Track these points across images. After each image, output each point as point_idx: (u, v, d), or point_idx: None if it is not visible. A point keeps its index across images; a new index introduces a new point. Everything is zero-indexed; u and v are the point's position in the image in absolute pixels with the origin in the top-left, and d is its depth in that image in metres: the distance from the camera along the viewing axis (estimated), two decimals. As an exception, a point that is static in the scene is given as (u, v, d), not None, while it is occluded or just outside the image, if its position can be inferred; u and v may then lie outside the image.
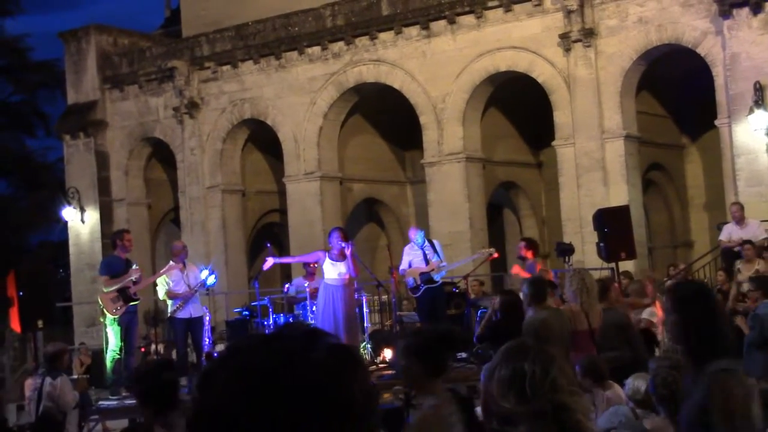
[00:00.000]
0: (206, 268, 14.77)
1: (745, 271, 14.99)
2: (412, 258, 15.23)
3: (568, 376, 2.40)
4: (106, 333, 13.50)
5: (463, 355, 14.80)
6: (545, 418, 2.22)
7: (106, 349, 13.49)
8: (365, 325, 15.77)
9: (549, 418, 2.23)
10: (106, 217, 28.57)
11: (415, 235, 15.47)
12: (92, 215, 28.59)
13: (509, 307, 10.27)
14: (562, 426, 2.22)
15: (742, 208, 17.18)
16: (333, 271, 13.34)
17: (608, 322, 9.75)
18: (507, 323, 9.78)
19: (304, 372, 1.37)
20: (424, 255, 15.10)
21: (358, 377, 1.43)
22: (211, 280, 14.57)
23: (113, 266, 13.61)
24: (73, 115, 29.23)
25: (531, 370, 2.33)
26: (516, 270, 14.60)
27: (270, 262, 14.42)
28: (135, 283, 13.46)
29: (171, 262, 14.15)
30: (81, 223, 28.61)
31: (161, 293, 14.12)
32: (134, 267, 13.62)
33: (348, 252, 13.26)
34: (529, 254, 13.78)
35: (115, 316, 13.19)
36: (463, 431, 5.08)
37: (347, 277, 13.34)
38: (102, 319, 13.77)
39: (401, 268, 15.35)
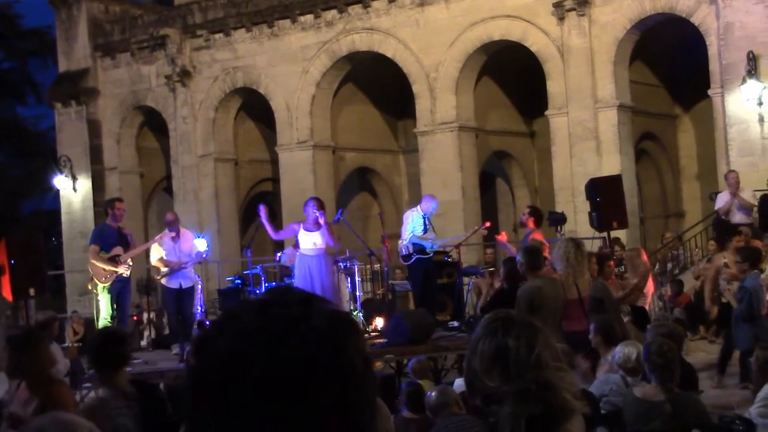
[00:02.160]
0: (200, 236, 14.75)
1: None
2: (415, 225, 15.04)
3: (554, 350, 2.39)
4: (98, 301, 13.50)
5: (455, 323, 14.85)
6: (530, 398, 2.22)
7: (98, 317, 13.49)
8: (357, 293, 15.78)
9: (533, 397, 2.22)
10: (98, 186, 28.51)
11: (431, 203, 15.30)
12: (84, 184, 28.53)
13: (515, 274, 10.30)
14: (548, 405, 2.21)
15: (738, 176, 17.20)
16: (308, 241, 13.15)
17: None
18: (512, 291, 9.83)
19: (305, 338, 1.37)
20: (425, 224, 15.03)
21: (358, 343, 1.43)
22: (203, 247, 14.53)
23: (105, 236, 13.55)
24: (65, 83, 29.08)
25: (515, 347, 2.31)
26: (503, 238, 14.52)
27: (263, 213, 13.96)
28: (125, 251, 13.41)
29: (166, 231, 14.13)
30: (73, 191, 28.55)
31: (153, 259, 14.13)
32: (123, 258, 13.36)
33: (322, 221, 13.08)
34: (530, 222, 13.76)
35: (106, 284, 13.17)
36: (131, 424, 5.49)
37: (323, 246, 13.17)
38: (91, 287, 13.76)
39: (407, 233, 15.04)
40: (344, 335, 1.41)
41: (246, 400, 1.34)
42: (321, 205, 13.41)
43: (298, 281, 13.19)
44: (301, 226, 13.30)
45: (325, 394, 1.35)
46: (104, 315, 13.23)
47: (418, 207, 15.39)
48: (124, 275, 13.33)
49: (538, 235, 13.39)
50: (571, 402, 2.23)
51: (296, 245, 13.94)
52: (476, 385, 2.31)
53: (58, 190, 29.11)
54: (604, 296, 9.93)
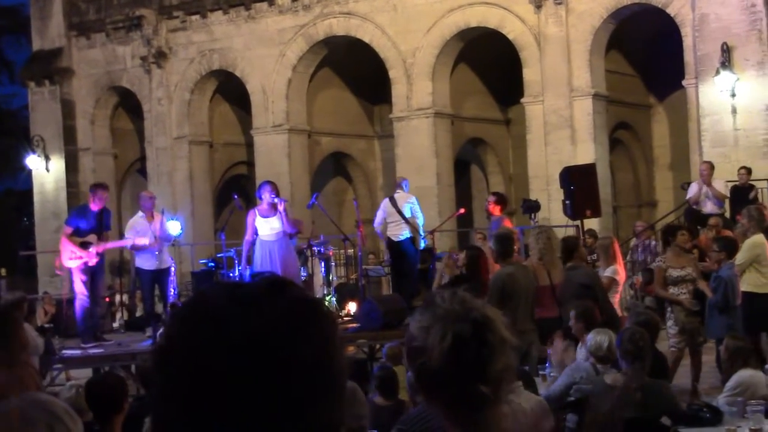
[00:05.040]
0: (173, 218, 14.64)
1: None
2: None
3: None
4: (71, 281, 13.38)
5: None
6: (455, 317, 2.13)
7: (73, 297, 13.38)
8: (331, 278, 15.79)
9: (459, 317, 2.12)
10: (71, 167, 28.33)
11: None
12: (57, 164, 28.33)
13: (474, 261, 10.37)
14: (474, 322, 2.12)
15: (711, 167, 17.26)
16: (265, 226, 12.86)
17: (574, 280, 9.85)
18: (470, 277, 9.88)
19: (268, 320, 1.37)
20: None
21: (323, 328, 1.43)
22: (177, 230, 14.42)
23: (83, 217, 13.34)
24: (38, 62, 28.84)
25: (441, 297, 2.26)
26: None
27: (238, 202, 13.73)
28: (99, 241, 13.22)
29: (135, 225, 13.74)
30: (46, 171, 28.35)
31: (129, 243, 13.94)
32: (94, 248, 13.17)
33: (281, 207, 12.79)
34: (496, 210, 13.71)
35: (72, 265, 13.00)
36: None
37: (281, 230, 12.87)
38: (58, 266, 13.63)
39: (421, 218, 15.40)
40: (308, 320, 1.40)
41: (209, 381, 1.34)
42: (277, 191, 13.22)
43: (259, 267, 12.89)
44: (257, 212, 13.00)
45: (284, 378, 1.35)
46: (79, 294, 13.08)
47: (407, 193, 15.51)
48: (89, 264, 13.09)
49: (506, 222, 13.43)
50: (503, 330, 2.14)
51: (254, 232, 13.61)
52: (411, 353, 2.20)
53: (30, 170, 28.90)
54: (594, 283, 9.96)
